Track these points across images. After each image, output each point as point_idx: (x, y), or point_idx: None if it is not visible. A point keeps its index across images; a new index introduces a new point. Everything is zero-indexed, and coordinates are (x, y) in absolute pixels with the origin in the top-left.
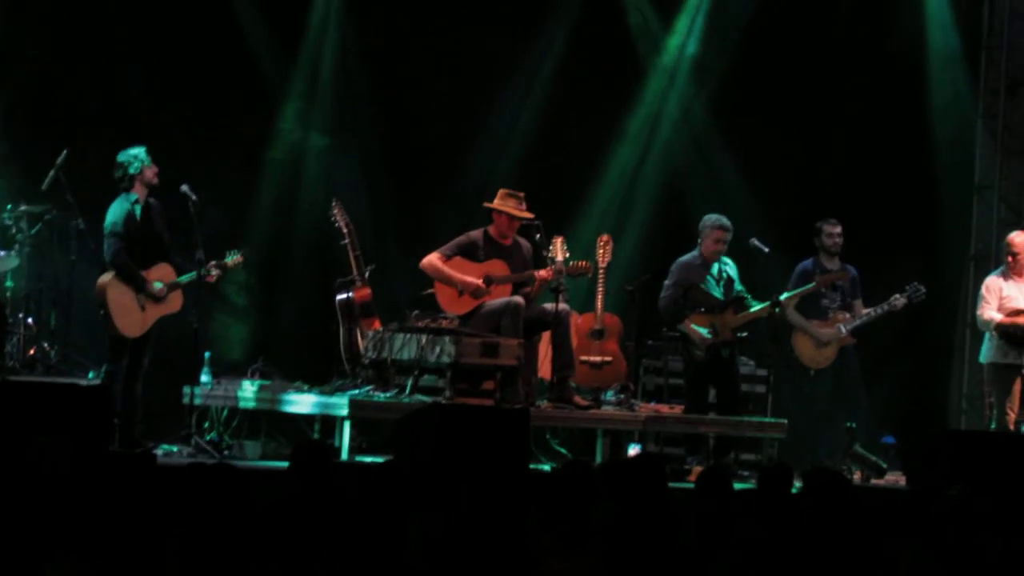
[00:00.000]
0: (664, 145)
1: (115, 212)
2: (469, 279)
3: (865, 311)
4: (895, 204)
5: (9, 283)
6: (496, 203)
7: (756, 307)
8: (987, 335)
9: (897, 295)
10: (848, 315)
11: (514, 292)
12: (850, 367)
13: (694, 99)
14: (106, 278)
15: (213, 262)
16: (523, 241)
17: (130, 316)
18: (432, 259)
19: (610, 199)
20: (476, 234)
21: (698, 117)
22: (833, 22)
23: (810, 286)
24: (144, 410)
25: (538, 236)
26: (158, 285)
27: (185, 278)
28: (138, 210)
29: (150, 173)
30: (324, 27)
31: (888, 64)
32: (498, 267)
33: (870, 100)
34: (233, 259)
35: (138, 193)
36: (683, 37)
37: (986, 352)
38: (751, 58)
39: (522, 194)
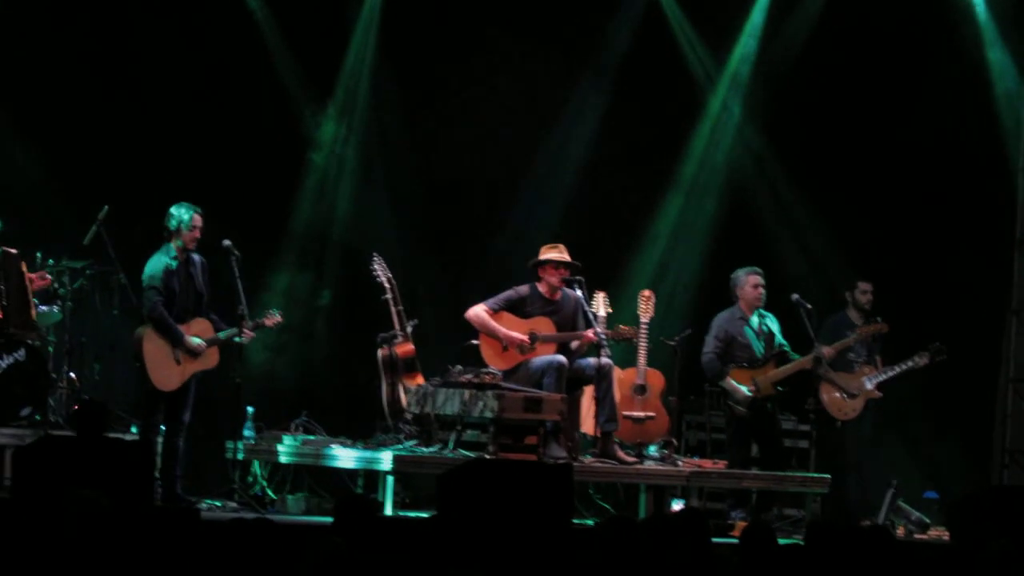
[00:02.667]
0: (709, 198)
1: (154, 265)
2: (515, 334)
3: (887, 367)
4: (936, 257)
5: (51, 337)
6: (540, 257)
7: (796, 360)
8: None
9: (920, 353)
10: (873, 368)
11: (559, 349)
12: (869, 420)
13: (742, 152)
14: (143, 331)
15: (252, 322)
16: (572, 294)
17: (166, 370)
18: (479, 311)
19: (653, 253)
20: (524, 289)
21: (746, 170)
22: (866, 74)
23: (851, 338)
24: (187, 465)
25: (580, 291)
26: (195, 340)
27: (223, 334)
28: (176, 264)
29: (187, 238)
30: (357, 78)
31: (930, 117)
32: (544, 324)
33: (912, 152)
34: (272, 318)
35: (177, 247)
36: (727, 90)
37: None
38: (794, 118)
39: (562, 246)
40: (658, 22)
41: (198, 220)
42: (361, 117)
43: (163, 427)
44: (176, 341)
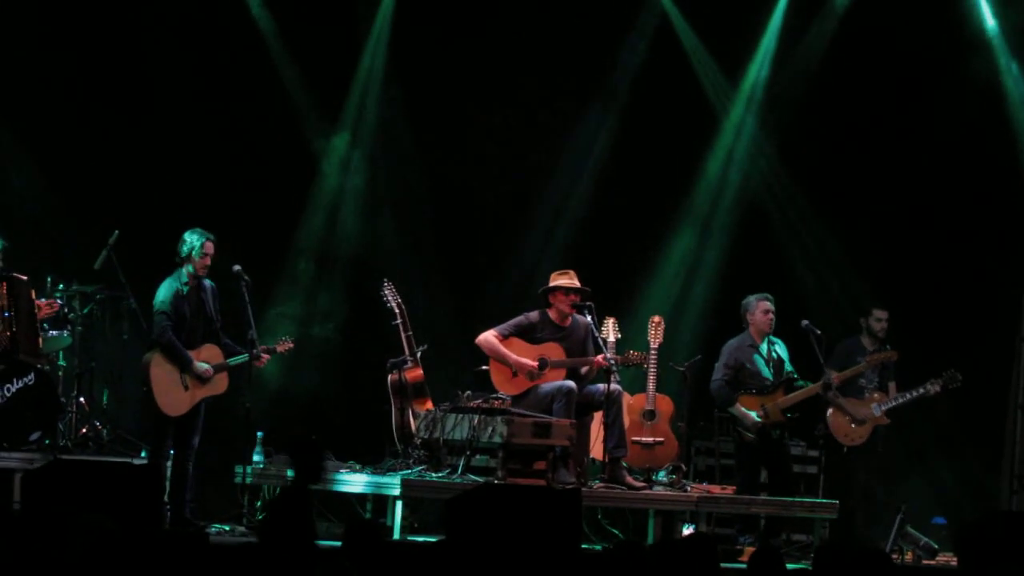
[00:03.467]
0: (721, 224)
1: (163, 291)
2: (524, 361)
3: (899, 394)
4: (944, 285)
5: (61, 362)
6: (550, 284)
7: (805, 386)
8: None
9: (932, 380)
10: (883, 395)
11: (569, 375)
12: (880, 446)
13: (756, 177)
14: (151, 356)
15: (263, 347)
16: (582, 320)
17: (173, 395)
18: (489, 337)
19: (664, 279)
20: (534, 315)
21: (760, 195)
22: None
23: (861, 365)
24: (196, 490)
25: (590, 317)
26: (203, 366)
27: (234, 361)
28: (186, 289)
29: (198, 264)
30: (366, 101)
31: (943, 141)
32: (554, 350)
33: (925, 177)
34: (283, 344)
35: (189, 273)
36: (741, 114)
37: None
38: (809, 142)
39: (572, 272)
40: (670, 45)
41: (210, 247)
42: (370, 141)
43: (172, 451)
44: (184, 366)
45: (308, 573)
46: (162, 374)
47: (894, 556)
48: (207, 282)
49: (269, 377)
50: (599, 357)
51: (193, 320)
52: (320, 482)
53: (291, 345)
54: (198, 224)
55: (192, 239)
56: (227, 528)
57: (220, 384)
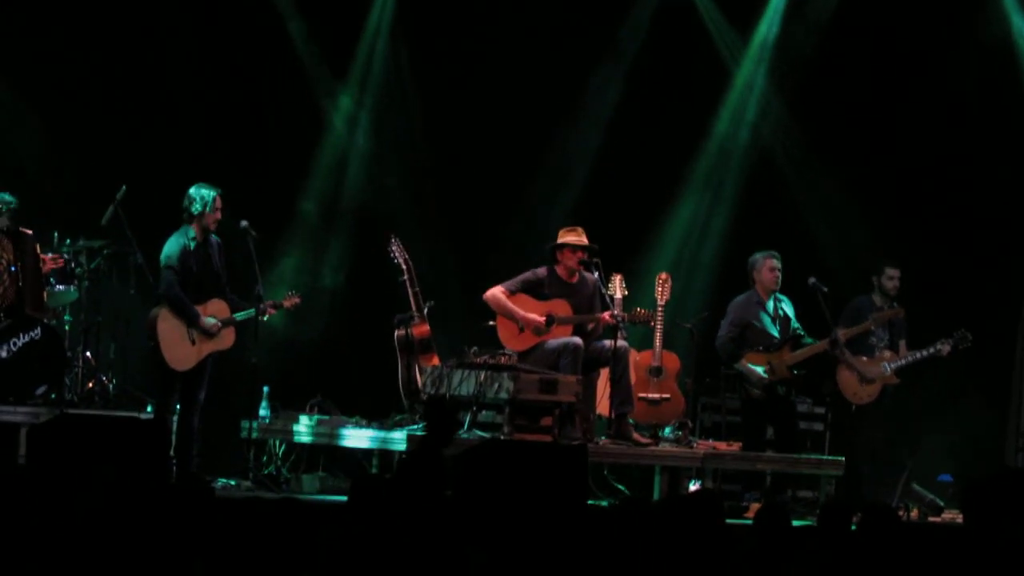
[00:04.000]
0: (730, 181)
1: (171, 246)
2: (531, 316)
3: (910, 352)
4: (954, 244)
5: (68, 317)
6: (558, 240)
7: (812, 344)
8: None
9: (943, 340)
10: (893, 354)
11: (575, 332)
12: (885, 406)
13: (765, 134)
14: (158, 311)
15: (270, 301)
16: (590, 277)
17: (180, 350)
18: (496, 292)
19: (672, 236)
20: (542, 271)
21: (769, 152)
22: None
23: (868, 323)
24: (202, 444)
25: (596, 273)
26: (211, 320)
27: (240, 315)
28: (193, 245)
29: (210, 219)
30: (370, 63)
31: (947, 101)
32: (561, 306)
33: (929, 138)
34: (290, 299)
35: (196, 229)
36: (750, 75)
37: None
38: (817, 101)
39: (580, 229)
40: (679, 1)
41: (219, 201)
42: (377, 98)
43: (178, 406)
44: (191, 321)
45: (439, 531)
46: (169, 329)
47: (899, 513)
48: (213, 237)
49: (275, 332)
50: (606, 314)
51: (200, 275)
52: (450, 445)
53: (298, 300)
54: (206, 179)
55: (202, 194)
56: (233, 483)
57: (227, 339)
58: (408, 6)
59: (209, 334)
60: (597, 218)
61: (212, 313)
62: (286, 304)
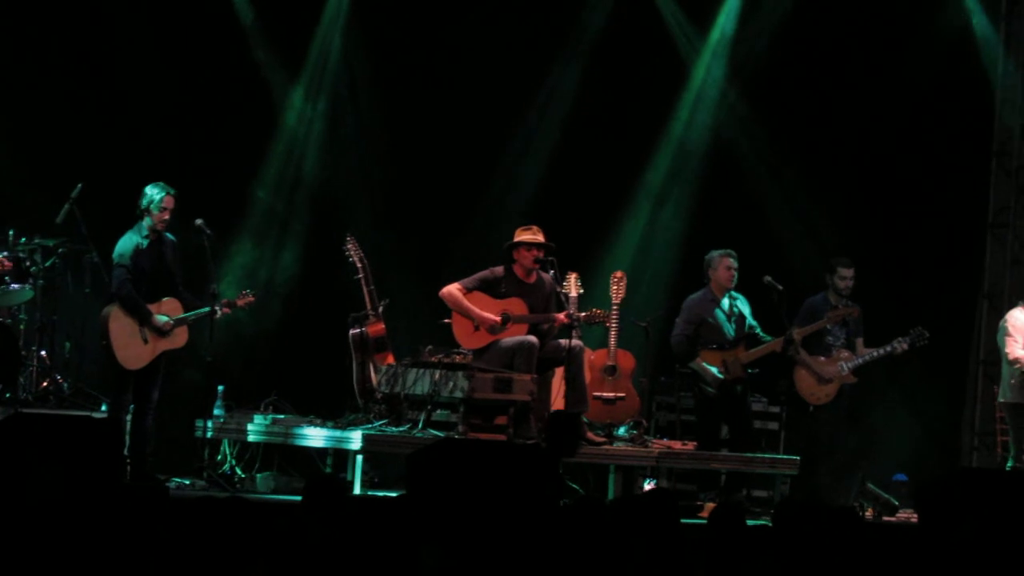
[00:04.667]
0: (686, 180)
1: (123, 244)
2: (486, 315)
3: (867, 351)
4: (906, 241)
5: (23, 316)
6: (515, 239)
7: (767, 342)
8: (1005, 373)
9: (900, 338)
10: (851, 353)
11: (530, 331)
12: (849, 404)
13: (722, 132)
14: (109, 309)
15: (224, 300)
16: (547, 277)
17: (132, 349)
18: (452, 289)
19: (626, 234)
20: (499, 270)
21: (725, 151)
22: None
23: (822, 322)
24: (156, 443)
25: (552, 272)
26: (162, 319)
27: (192, 314)
28: (146, 243)
29: (157, 219)
30: (326, 58)
31: (903, 99)
32: (517, 305)
33: (882, 137)
34: (244, 298)
35: (148, 227)
36: (708, 71)
37: (1006, 390)
38: (776, 97)
39: (536, 227)
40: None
41: (169, 201)
42: (331, 92)
43: (132, 405)
44: (143, 320)
45: (550, 538)
46: (120, 328)
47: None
48: (168, 236)
49: (230, 331)
50: (562, 314)
51: (153, 274)
52: (574, 457)
53: (252, 299)
54: (161, 177)
55: (152, 193)
56: (187, 482)
57: (180, 338)
58: None
59: (161, 332)
60: (553, 216)
61: (165, 312)
62: (239, 303)
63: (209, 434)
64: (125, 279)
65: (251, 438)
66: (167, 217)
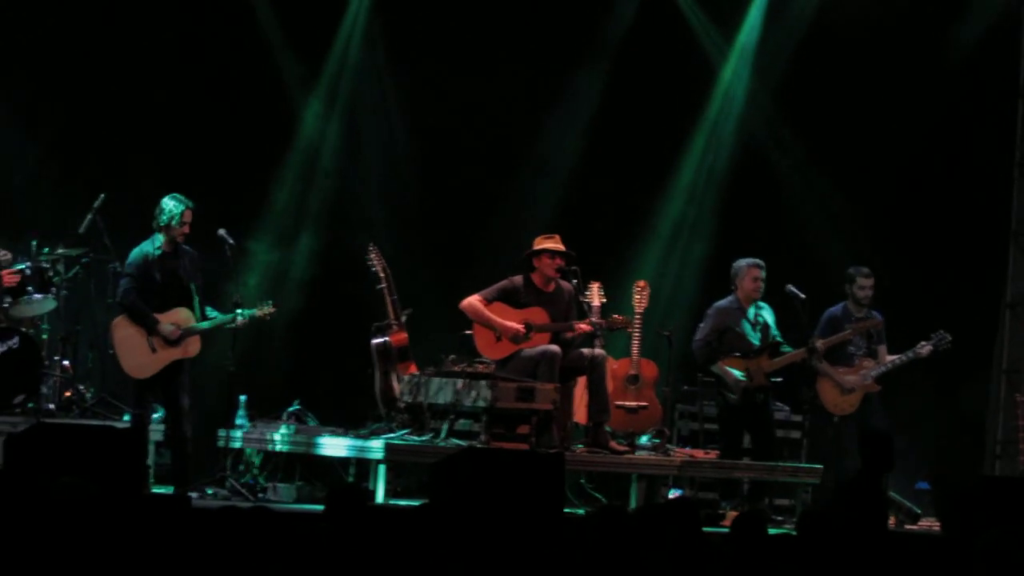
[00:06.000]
0: (711, 191)
1: (134, 254)
2: (509, 324)
3: (890, 358)
4: (929, 250)
5: (45, 325)
6: (535, 248)
7: (791, 352)
8: None
9: (923, 343)
10: (873, 362)
11: (552, 340)
12: (874, 414)
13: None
14: (117, 318)
15: (243, 311)
16: (566, 286)
17: (138, 357)
18: (473, 301)
19: (652, 244)
20: (519, 280)
21: (748, 160)
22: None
23: (846, 333)
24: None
25: (575, 281)
26: (169, 327)
27: (204, 325)
28: (159, 254)
29: (176, 232)
30: (344, 64)
31: (926, 109)
32: (538, 314)
33: (905, 146)
34: (264, 310)
35: (164, 239)
36: (735, 78)
37: None
38: (796, 103)
39: (557, 236)
40: (659, 4)
41: (188, 216)
42: (353, 102)
43: (157, 415)
44: (150, 328)
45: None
46: (126, 337)
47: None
48: (186, 248)
49: (253, 341)
50: (583, 323)
51: (164, 285)
52: (892, 470)
53: (272, 310)
54: (182, 187)
55: (171, 207)
56: (210, 492)
57: (191, 347)
58: (384, 5)
59: (169, 341)
60: (576, 225)
61: (174, 321)
62: (259, 314)
63: (232, 444)
64: (127, 288)
65: (273, 448)
66: (187, 231)
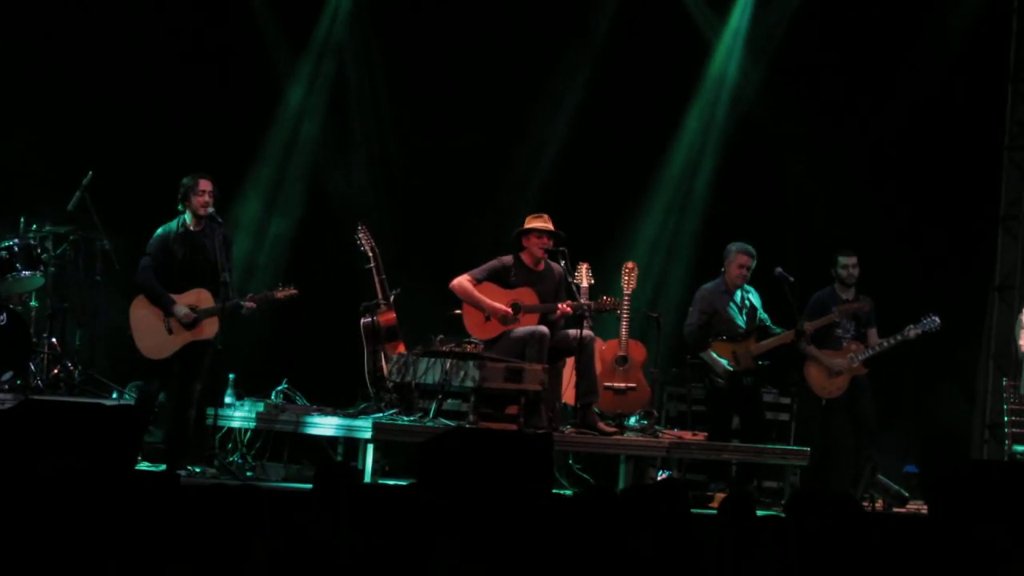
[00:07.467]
0: (695, 171)
1: (157, 233)
2: (498, 305)
3: (878, 341)
4: (918, 233)
5: (33, 303)
6: (524, 226)
7: (778, 334)
8: None
9: (911, 326)
10: (861, 345)
11: (541, 320)
12: (862, 397)
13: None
14: (135, 298)
15: (263, 293)
16: (556, 267)
17: (154, 338)
18: (462, 281)
19: (643, 224)
20: (508, 259)
21: (739, 139)
22: (862, 47)
23: (832, 315)
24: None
25: (563, 262)
26: (183, 310)
27: (218, 307)
28: (182, 232)
29: (197, 202)
30: (331, 44)
31: (913, 94)
32: (527, 295)
33: (895, 129)
34: (284, 290)
35: (191, 217)
36: (723, 65)
37: None
38: (786, 90)
39: (546, 216)
40: None
41: (205, 185)
42: (342, 81)
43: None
44: (166, 310)
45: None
46: (143, 317)
47: (864, 504)
48: (216, 226)
49: (241, 320)
50: (564, 304)
51: (185, 263)
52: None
53: (294, 291)
54: (171, 164)
55: (185, 180)
56: (198, 470)
57: (207, 329)
58: None
59: (185, 324)
60: (566, 206)
61: (191, 303)
62: (279, 295)
63: (220, 422)
64: (144, 267)
65: (262, 426)
66: (208, 199)
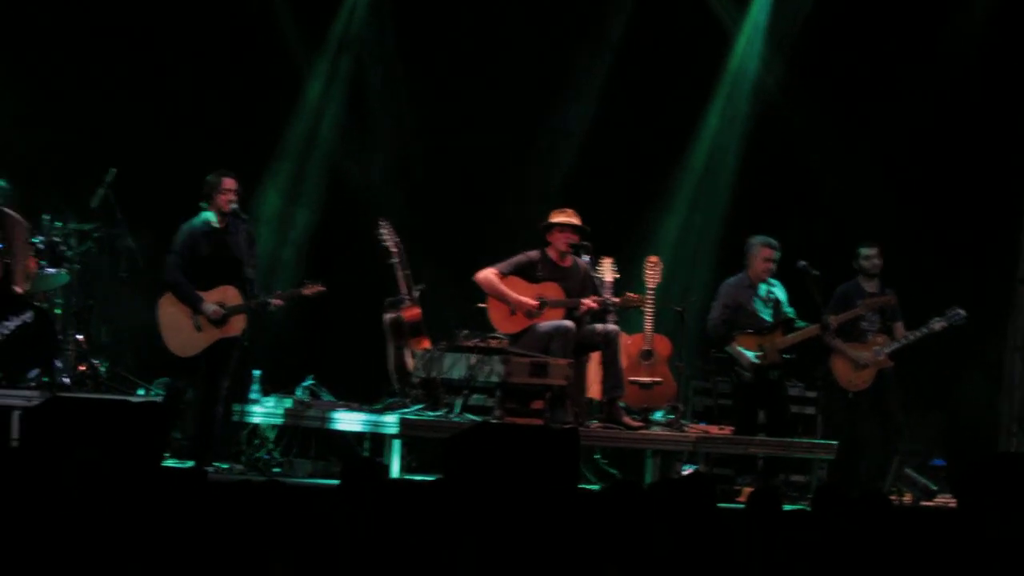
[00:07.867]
0: (717, 164)
1: (181, 230)
2: (524, 299)
3: (904, 334)
4: (941, 225)
5: (59, 299)
6: (549, 220)
7: (804, 328)
8: None
9: (936, 318)
10: (886, 338)
11: (567, 315)
12: (889, 390)
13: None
14: (163, 296)
15: (290, 291)
16: (581, 262)
17: (182, 336)
18: (488, 274)
19: (666, 219)
20: (534, 254)
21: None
22: (884, 38)
23: (858, 309)
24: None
25: (586, 257)
26: (211, 307)
27: (244, 305)
28: (207, 228)
29: (221, 200)
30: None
31: (936, 85)
32: (553, 289)
33: (919, 120)
34: (311, 287)
35: (215, 214)
36: (743, 58)
37: None
38: (807, 82)
39: (571, 210)
40: None
41: (229, 183)
42: (359, 74)
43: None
44: (194, 307)
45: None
46: (171, 314)
47: (892, 498)
48: (242, 223)
49: (267, 318)
50: (587, 299)
51: (211, 260)
52: None
53: (322, 288)
54: (191, 161)
55: (210, 178)
56: (224, 466)
57: (235, 326)
58: None
59: (213, 321)
60: (590, 200)
61: (218, 300)
62: (307, 292)
63: (246, 419)
64: (172, 266)
65: (288, 422)
66: (232, 197)
